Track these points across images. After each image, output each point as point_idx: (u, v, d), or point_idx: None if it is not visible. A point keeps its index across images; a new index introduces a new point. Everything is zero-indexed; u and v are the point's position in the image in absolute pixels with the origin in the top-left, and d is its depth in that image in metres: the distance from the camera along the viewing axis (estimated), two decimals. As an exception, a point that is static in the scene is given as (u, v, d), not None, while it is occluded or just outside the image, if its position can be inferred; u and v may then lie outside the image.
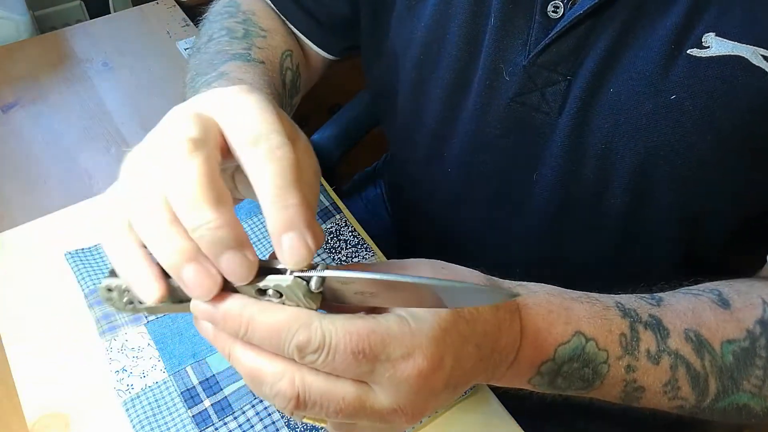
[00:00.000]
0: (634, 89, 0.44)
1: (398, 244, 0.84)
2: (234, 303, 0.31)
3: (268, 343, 0.31)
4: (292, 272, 0.31)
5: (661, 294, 0.45)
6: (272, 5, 0.64)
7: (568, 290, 0.41)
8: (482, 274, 0.38)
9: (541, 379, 0.39)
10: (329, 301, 0.33)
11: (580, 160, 0.49)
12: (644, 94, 0.44)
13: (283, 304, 0.31)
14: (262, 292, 0.31)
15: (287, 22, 0.64)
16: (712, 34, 0.41)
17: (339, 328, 0.30)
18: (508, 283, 0.40)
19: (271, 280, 0.31)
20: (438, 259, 0.37)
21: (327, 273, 0.31)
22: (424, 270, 0.36)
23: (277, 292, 0.31)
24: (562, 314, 0.39)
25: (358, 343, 0.30)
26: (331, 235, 0.66)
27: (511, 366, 0.38)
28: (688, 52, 0.42)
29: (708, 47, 0.41)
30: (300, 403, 0.31)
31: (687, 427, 0.68)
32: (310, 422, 0.35)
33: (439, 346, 0.32)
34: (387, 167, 0.93)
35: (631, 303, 0.43)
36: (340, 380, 0.32)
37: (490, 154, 0.55)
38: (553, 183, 0.52)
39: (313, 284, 0.31)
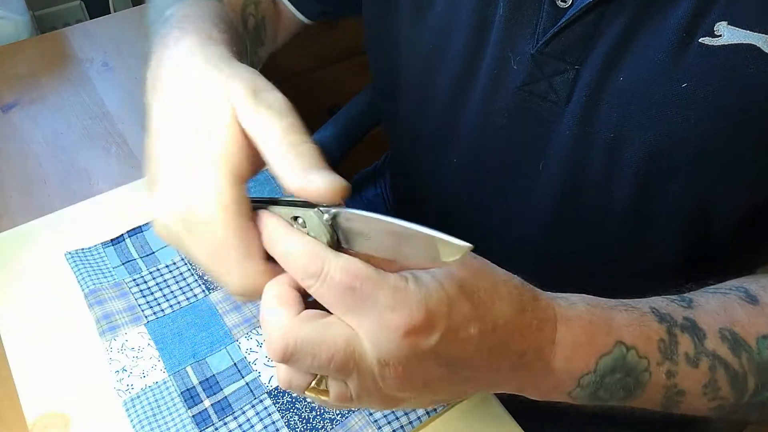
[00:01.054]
0: (645, 78, 0.44)
1: None
2: (269, 221, 0.35)
3: (281, 261, 0.34)
4: (317, 207, 0.34)
5: (690, 295, 0.45)
6: None
7: (604, 299, 0.41)
8: (520, 279, 0.38)
9: (582, 391, 0.39)
10: (344, 244, 0.35)
11: (587, 149, 0.49)
12: (655, 83, 0.44)
13: (308, 233, 0.35)
14: (295, 219, 0.35)
15: None
16: (724, 23, 0.41)
17: (339, 264, 0.32)
18: (547, 295, 0.39)
19: (298, 211, 0.35)
20: None
21: (341, 209, 0.33)
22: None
23: (304, 222, 0.35)
24: (603, 325, 0.39)
25: (351, 281, 0.32)
26: (331, 235, 0.66)
27: (542, 375, 0.38)
28: (700, 40, 0.42)
29: (720, 36, 0.41)
30: (288, 353, 0.33)
31: (688, 427, 0.68)
32: (311, 396, 0.36)
33: (429, 312, 0.32)
34: (389, 165, 0.93)
35: (665, 307, 0.42)
36: (330, 327, 0.33)
37: (496, 143, 0.54)
38: (559, 172, 0.52)
39: (325, 217, 0.34)
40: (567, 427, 0.72)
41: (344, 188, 0.33)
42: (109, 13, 1.03)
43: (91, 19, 1.00)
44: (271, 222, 0.35)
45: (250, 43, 0.57)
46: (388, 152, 0.96)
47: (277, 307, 0.34)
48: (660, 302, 0.43)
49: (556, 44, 0.47)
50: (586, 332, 0.38)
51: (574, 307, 0.39)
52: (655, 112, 0.45)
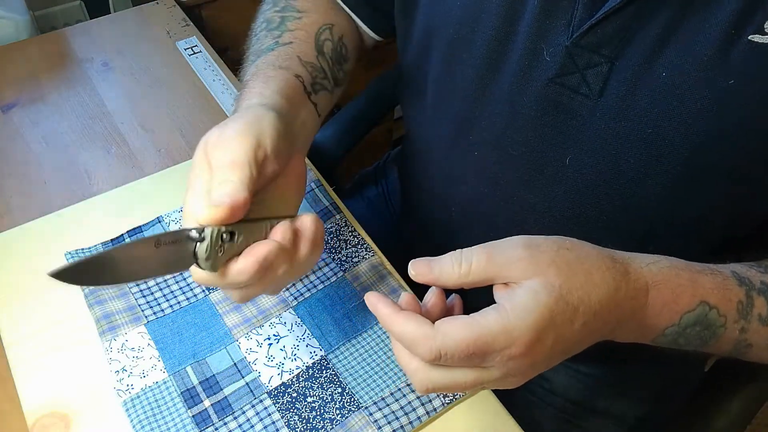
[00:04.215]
0: (690, 74, 0.44)
1: (405, 240, 0.83)
2: (380, 308, 0.41)
3: (403, 344, 0.40)
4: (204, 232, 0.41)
5: (766, 262, 0.50)
6: None
7: (691, 263, 0.46)
8: (610, 257, 0.42)
9: (664, 339, 0.45)
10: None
11: (622, 144, 0.49)
12: (700, 79, 0.44)
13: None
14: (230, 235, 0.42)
15: (344, 6, 0.67)
16: None
17: (451, 342, 0.37)
18: (638, 262, 0.43)
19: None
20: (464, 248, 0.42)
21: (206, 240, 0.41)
22: (518, 247, 0.40)
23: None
24: (689, 287, 0.44)
25: (467, 348, 0.37)
26: (331, 235, 0.66)
27: (633, 330, 0.44)
28: (749, 37, 0.42)
29: None
30: (431, 389, 0.41)
31: (688, 427, 0.68)
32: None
33: (538, 330, 0.38)
34: (390, 164, 0.92)
35: (744, 272, 0.47)
36: (460, 370, 0.40)
37: (522, 135, 0.54)
38: (588, 167, 0.52)
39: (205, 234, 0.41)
40: (566, 422, 0.72)
41: (207, 217, 0.41)
42: (109, 13, 1.03)
43: (91, 19, 0.99)
44: (382, 309, 0.41)
45: (331, 65, 0.62)
46: (389, 152, 0.96)
47: (409, 357, 0.41)
48: (740, 267, 0.47)
49: (591, 36, 0.46)
50: (673, 293, 0.43)
51: (663, 272, 0.43)
52: (700, 109, 0.45)
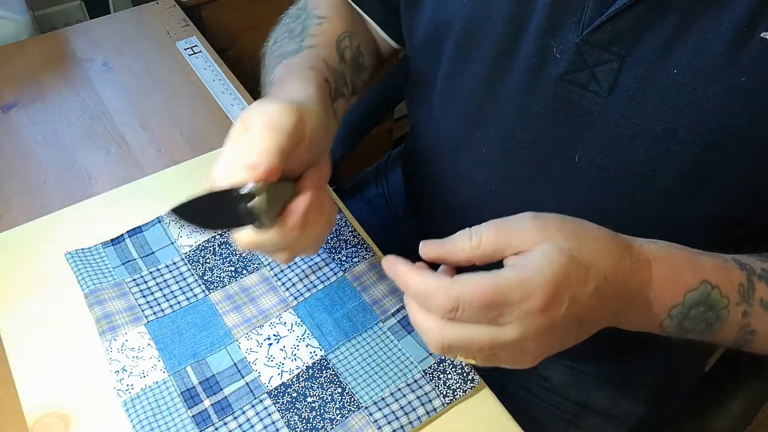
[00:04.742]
0: (701, 71, 0.44)
1: (406, 240, 0.83)
2: (398, 266, 0.42)
3: (419, 301, 0.41)
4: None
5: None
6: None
7: (690, 248, 0.46)
8: (611, 231, 0.43)
9: (671, 321, 0.45)
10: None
11: (632, 141, 0.49)
12: (712, 77, 0.44)
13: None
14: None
15: (364, 15, 0.67)
16: None
17: (469, 291, 0.38)
18: (639, 241, 0.44)
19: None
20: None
21: (258, 199, 0.42)
22: (526, 219, 0.42)
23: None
24: (690, 265, 0.45)
25: (484, 297, 0.38)
26: (331, 235, 0.66)
27: (641, 309, 0.44)
28: (761, 35, 0.42)
29: None
30: (446, 348, 0.41)
31: (689, 427, 0.68)
32: (464, 360, 0.44)
33: (555, 286, 0.38)
34: (392, 163, 0.92)
35: (745, 259, 0.48)
36: (476, 326, 0.39)
37: (531, 133, 0.54)
38: (598, 164, 0.52)
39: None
40: (558, 419, 0.72)
41: (250, 177, 0.41)
42: (109, 13, 1.03)
43: (91, 19, 0.99)
44: (400, 267, 0.42)
45: (350, 72, 0.64)
46: (389, 152, 0.96)
47: (424, 314, 0.41)
48: (740, 255, 0.48)
49: (602, 34, 0.47)
50: (675, 270, 0.44)
51: (662, 250, 0.44)
52: (712, 106, 0.45)
